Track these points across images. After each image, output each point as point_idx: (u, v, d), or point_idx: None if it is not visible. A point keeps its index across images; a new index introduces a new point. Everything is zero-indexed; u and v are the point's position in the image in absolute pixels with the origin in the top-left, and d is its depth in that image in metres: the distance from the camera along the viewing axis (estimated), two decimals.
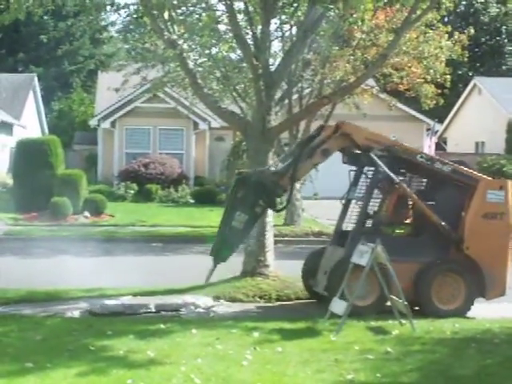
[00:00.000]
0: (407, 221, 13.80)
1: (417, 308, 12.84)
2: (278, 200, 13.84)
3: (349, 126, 13.29)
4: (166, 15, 14.35)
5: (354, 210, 13.86)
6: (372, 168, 13.39)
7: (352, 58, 21.91)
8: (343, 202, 14.11)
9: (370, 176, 13.55)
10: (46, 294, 14.10)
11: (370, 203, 13.49)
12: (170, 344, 10.21)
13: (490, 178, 14.42)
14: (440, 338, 11.13)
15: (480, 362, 9.75)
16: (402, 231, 13.87)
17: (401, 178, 13.33)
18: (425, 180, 13.86)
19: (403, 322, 11.64)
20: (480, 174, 14.02)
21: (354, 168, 13.97)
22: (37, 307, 13.03)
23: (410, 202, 13.52)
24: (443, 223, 12.95)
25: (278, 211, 13.21)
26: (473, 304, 13.09)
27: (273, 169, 13.48)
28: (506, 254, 13.33)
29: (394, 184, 13.10)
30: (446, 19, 37.66)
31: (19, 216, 26.73)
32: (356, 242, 12.60)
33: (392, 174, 12.99)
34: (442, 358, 9.99)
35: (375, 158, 13.00)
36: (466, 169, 13.55)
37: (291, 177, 12.87)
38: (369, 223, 13.57)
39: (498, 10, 55.40)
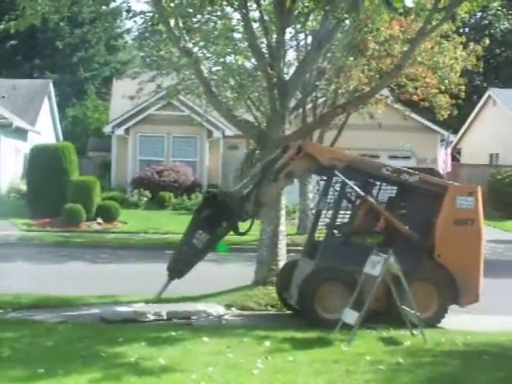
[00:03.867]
0: (377, 229, 13.63)
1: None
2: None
3: (311, 147, 13.28)
4: (172, 22, 14.35)
5: (325, 220, 13.84)
6: (339, 179, 13.28)
7: (366, 67, 21.90)
8: (313, 212, 14.06)
9: (337, 188, 13.47)
10: (58, 300, 14.14)
11: (340, 213, 13.47)
12: (181, 352, 10.21)
13: (459, 185, 14.37)
14: (451, 349, 11.08)
15: (492, 374, 9.70)
16: (374, 241, 13.58)
17: (371, 188, 13.40)
18: (394, 190, 13.80)
19: (415, 333, 11.61)
20: (449, 181, 14.01)
21: (323, 178, 13.95)
22: (49, 313, 13.06)
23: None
24: (412, 233, 12.89)
25: (240, 235, 13.10)
26: (446, 311, 13.01)
27: (240, 190, 13.20)
28: (478, 260, 13.27)
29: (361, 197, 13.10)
30: (461, 30, 37.55)
31: (32, 222, 26.83)
32: (326, 254, 12.71)
33: (358, 189, 12.96)
34: (453, 370, 9.95)
35: (341, 175, 12.90)
36: (433, 177, 13.42)
37: (256, 202, 12.70)
38: (338, 233, 13.53)
39: (508, 25, 55.14)
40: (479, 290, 13.30)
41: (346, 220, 13.71)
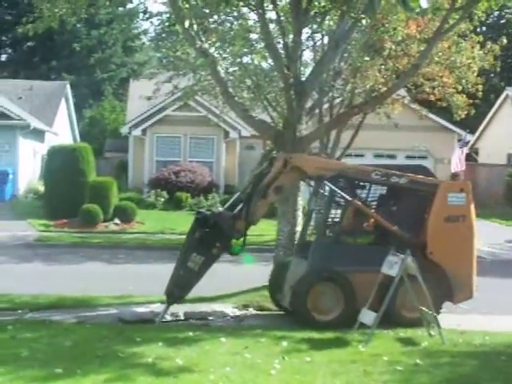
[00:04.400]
0: (368, 228, 13.57)
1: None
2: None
3: (297, 159, 13.17)
4: (186, 24, 14.37)
5: (315, 220, 13.80)
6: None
7: (383, 67, 21.83)
8: (305, 212, 14.05)
9: (327, 189, 13.47)
10: (75, 301, 14.20)
11: (331, 213, 13.44)
12: (198, 352, 10.23)
13: (450, 181, 14.30)
14: (469, 350, 11.05)
15: (510, 375, 9.66)
16: (365, 240, 13.64)
17: (360, 191, 13.46)
18: (386, 190, 13.76)
19: (432, 333, 11.58)
20: (440, 179, 13.96)
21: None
22: (66, 313, 13.12)
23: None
24: (401, 232, 12.85)
25: (233, 254, 13.16)
26: (441, 308, 12.91)
27: (231, 208, 13.12)
28: (471, 257, 13.22)
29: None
30: (478, 30, 37.38)
31: (50, 222, 26.91)
32: (317, 254, 12.67)
33: (346, 196, 12.98)
34: (471, 371, 9.92)
35: (329, 184, 12.98)
36: (423, 177, 13.36)
37: (247, 220, 12.70)
38: (329, 233, 13.50)
39: None
40: (473, 287, 13.22)
41: (337, 220, 13.67)
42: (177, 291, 12.57)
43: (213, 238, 12.50)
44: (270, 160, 13.32)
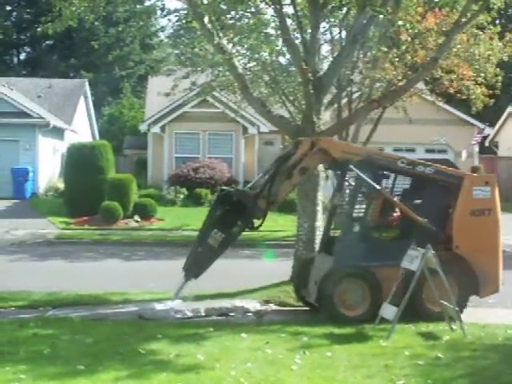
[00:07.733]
0: (393, 222, 13.54)
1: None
2: None
3: (325, 141, 13.09)
4: (206, 20, 14.38)
5: (340, 215, 13.71)
6: (354, 173, 13.16)
7: (400, 61, 21.72)
8: (329, 208, 13.97)
9: (352, 182, 13.36)
10: (96, 298, 14.24)
11: (356, 208, 13.33)
12: (219, 348, 10.23)
13: (475, 175, 14.18)
14: (491, 344, 10.99)
15: None
16: (390, 234, 13.53)
17: (384, 182, 13.29)
18: (410, 182, 13.60)
19: (454, 327, 11.54)
20: (465, 172, 13.83)
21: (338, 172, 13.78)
22: (87, 310, 13.16)
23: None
24: (429, 225, 12.76)
25: (254, 229, 13.09)
26: (467, 303, 12.80)
27: (254, 187, 13.11)
28: (497, 250, 13.12)
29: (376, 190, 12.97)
30: (497, 22, 37.10)
31: (70, 220, 27.05)
32: (343, 249, 12.64)
33: (373, 183, 12.87)
34: (493, 364, 9.87)
35: (355, 169, 12.83)
36: (449, 168, 13.25)
37: (269, 199, 12.62)
38: (355, 228, 13.39)
39: None
40: (499, 280, 13.12)
41: (362, 214, 13.55)
42: (195, 268, 12.58)
43: (234, 216, 12.48)
44: (296, 143, 13.23)
